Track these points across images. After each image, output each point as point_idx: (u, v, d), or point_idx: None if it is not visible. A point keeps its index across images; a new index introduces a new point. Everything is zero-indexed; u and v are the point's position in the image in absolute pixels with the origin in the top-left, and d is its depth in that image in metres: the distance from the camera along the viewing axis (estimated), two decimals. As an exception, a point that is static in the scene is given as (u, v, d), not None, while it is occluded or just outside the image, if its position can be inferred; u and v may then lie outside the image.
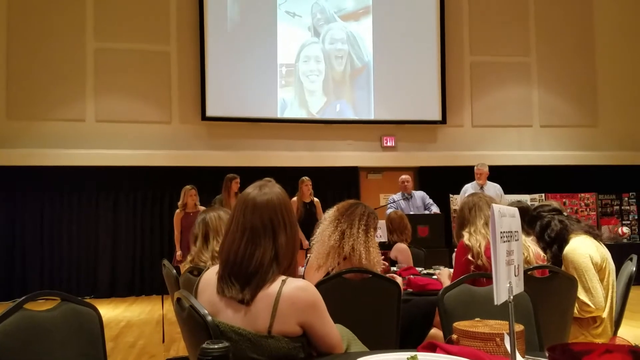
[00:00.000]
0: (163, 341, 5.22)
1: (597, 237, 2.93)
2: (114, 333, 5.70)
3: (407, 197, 6.96)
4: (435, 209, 7.04)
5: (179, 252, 6.53)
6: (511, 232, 1.07)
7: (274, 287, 1.59)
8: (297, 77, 9.14)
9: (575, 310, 2.70)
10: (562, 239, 2.87)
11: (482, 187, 7.10)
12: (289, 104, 9.11)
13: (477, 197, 2.89)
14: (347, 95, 9.28)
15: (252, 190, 1.71)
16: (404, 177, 7.11)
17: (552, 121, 9.76)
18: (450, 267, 3.40)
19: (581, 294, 2.72)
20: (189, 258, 3.21)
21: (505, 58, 9.71)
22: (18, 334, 1.48)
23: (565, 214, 3.05)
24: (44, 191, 8.38)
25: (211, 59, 8.83)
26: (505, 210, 1.05)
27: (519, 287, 1.12)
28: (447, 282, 2.97)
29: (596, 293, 2.74)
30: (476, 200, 2.84)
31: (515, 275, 1.09)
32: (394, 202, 6.82)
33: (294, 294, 1.58)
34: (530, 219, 3.03)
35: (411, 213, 6.67)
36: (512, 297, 1.04)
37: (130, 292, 8.46)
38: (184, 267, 3.32)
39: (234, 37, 8.96)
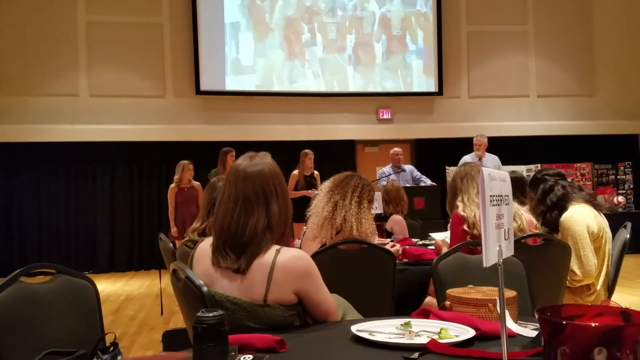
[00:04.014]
0: (162, 314, 5.28)
1: (597, 207, 2.93)
2: (114, 307, 5.76)
3: (398, 171, 6.94)
4: (428, 182, 7.04)
5: (174, 229, 6.49)
6: (501, 196, 1.07)
7: (269, 256, 1.61)
8: (292, 48, 9.04)
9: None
10: (562, 205, 2.88)
11: (480, 159, 7.10)
12: (284, 77, 9.02)
13: (469, 166, 2.89)
14: (343, 68, 9.18)
15: (242, 161, 1.71)
16: (397, 149, 7.08)
17: (549, 91, 9.71)
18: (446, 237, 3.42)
19: (572, 263, 2.74)
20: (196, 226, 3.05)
21: (503, 27, 9.60)
22: (14, 306, 1.49)
23: (569, 180, 3.05)
24: (39, 167, 8.34)
25: (204, 30, 8.71)
26: (495, 174, 1.04)
27: (509, 251, 1.12)
28: (443, 246, 3.00)
29: (587, 262, 2.76)
30: (468, 169, 2.84)
31: (505, 239, 1.09)
32: (387, 175, 6.80)
33: (289, 263, 1.60)
34: (533, 181, 3.03)
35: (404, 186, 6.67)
36: (501, 260, 1.04)
37: (130, 266, 8.51)
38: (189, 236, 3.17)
39: (227, 7, 8.82)
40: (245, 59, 8.84)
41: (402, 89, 9.31)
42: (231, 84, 8.81)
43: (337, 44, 9.12)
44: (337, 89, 9.13)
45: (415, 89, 9.34)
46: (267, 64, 8.89)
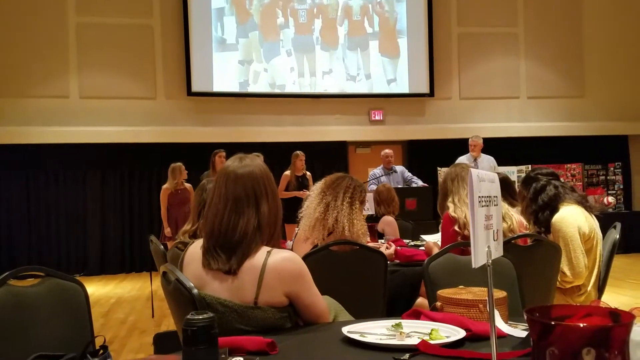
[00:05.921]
0: (153, 316, 5.25)
1: (589, 208, 2.93)
2: (104, 310, 5.72)
3: (389, 172, 6.94)
4: (420, 183, 7.04)
5: (167, 229, 6.51)
6: (490, 196, 1.07)
7: (259, 258, 1.60)
8: (283, 50, 9.04)
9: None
10: (554, 206, 2.88)
11: (475, 160, 7.10)
12: (275, 79, 9.02)
13: (460, 167, 2.90)
14: (335, 69, 9.20)
15: (232, 162, 1.71)
16: (387, 151, 7.08)
17: (540, 92, 9.76)
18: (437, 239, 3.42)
19: (563, 264, 2.75)
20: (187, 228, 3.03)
21: (493, 29, 9.64)
22: (2, 309, 1.48)
23: (562, 180, 3.06)
24: (30, 169, 8.28)
25: (195, 32, 8.68)
26: (484, 175, 1.05)
27: (497, 252, 1.12)
28: (433, 247, 3.01)
29: (577, 263, 2.77)
30: (458, 170, 2.85)
31: (494, 240, 1.10)
32: (376, 178, 6.80)
33: (280, 265, 1.59)
34: (526, 180, 3.03)
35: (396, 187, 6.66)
36: (490, 261, 1.04)
37: (120, 269, 8.46)
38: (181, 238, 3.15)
39: (218, 9, 8.81)
40: (235, 59, 8.87)
41: (394, 90, 9.33)
42: (222, 86, 8.79)
43: (328, 45, 9.18)
44: (328, 90, 9.13)
45: (407, 90, 9.36)
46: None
